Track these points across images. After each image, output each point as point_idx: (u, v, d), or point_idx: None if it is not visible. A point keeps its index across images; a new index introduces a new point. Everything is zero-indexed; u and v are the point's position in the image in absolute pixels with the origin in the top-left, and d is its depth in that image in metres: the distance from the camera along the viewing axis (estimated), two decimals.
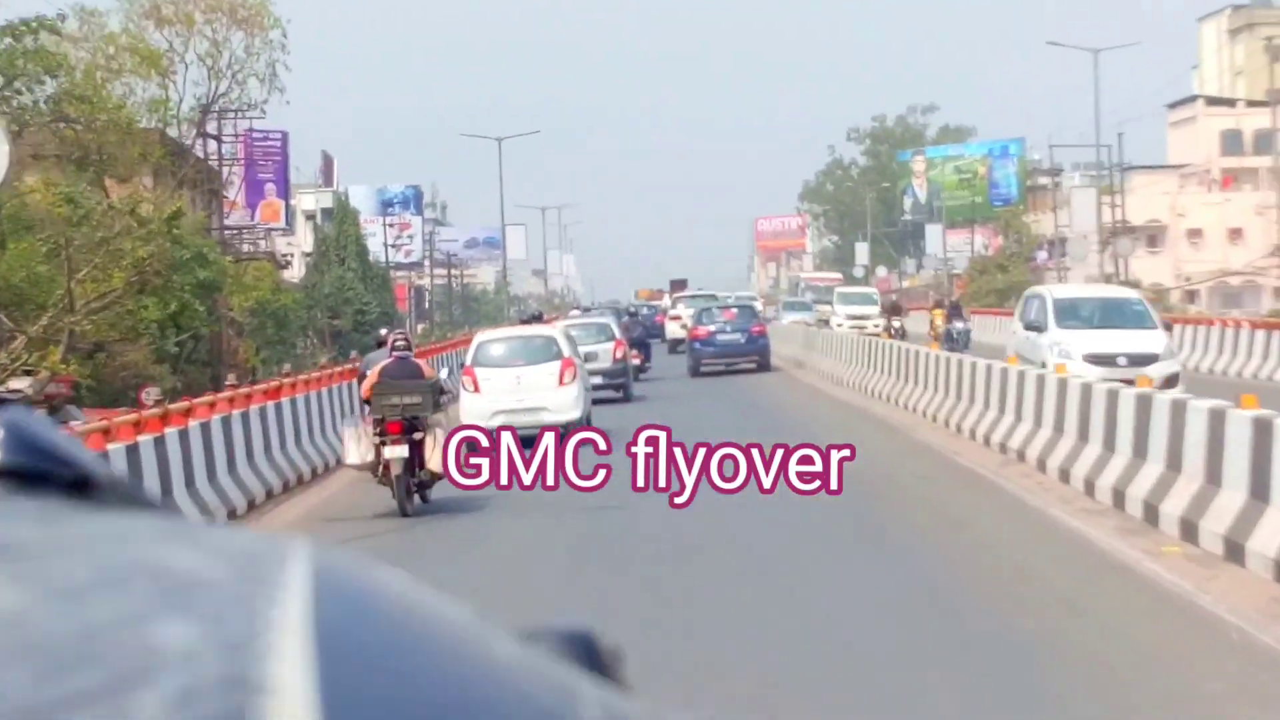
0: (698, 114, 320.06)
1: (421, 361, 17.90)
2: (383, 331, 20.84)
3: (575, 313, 56.03)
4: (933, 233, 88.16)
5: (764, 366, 40.68)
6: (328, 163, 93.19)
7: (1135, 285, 58.60)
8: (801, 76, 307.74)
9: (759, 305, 69.44)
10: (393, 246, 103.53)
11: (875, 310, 58.61)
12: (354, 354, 39.50)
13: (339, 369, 28.85)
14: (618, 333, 33.67)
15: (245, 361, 41.04)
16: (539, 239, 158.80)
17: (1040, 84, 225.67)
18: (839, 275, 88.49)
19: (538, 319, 34.40)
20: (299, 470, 21.14)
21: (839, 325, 51.65)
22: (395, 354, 17.05)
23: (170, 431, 16.65)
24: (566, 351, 24.25)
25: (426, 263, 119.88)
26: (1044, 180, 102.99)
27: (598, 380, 28.96)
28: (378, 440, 16.41)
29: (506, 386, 23.49)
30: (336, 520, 17.18)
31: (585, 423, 23.66)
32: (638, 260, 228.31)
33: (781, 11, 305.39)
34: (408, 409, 16.40)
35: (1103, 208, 61.87)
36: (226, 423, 18.60)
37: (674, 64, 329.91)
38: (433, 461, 16.43)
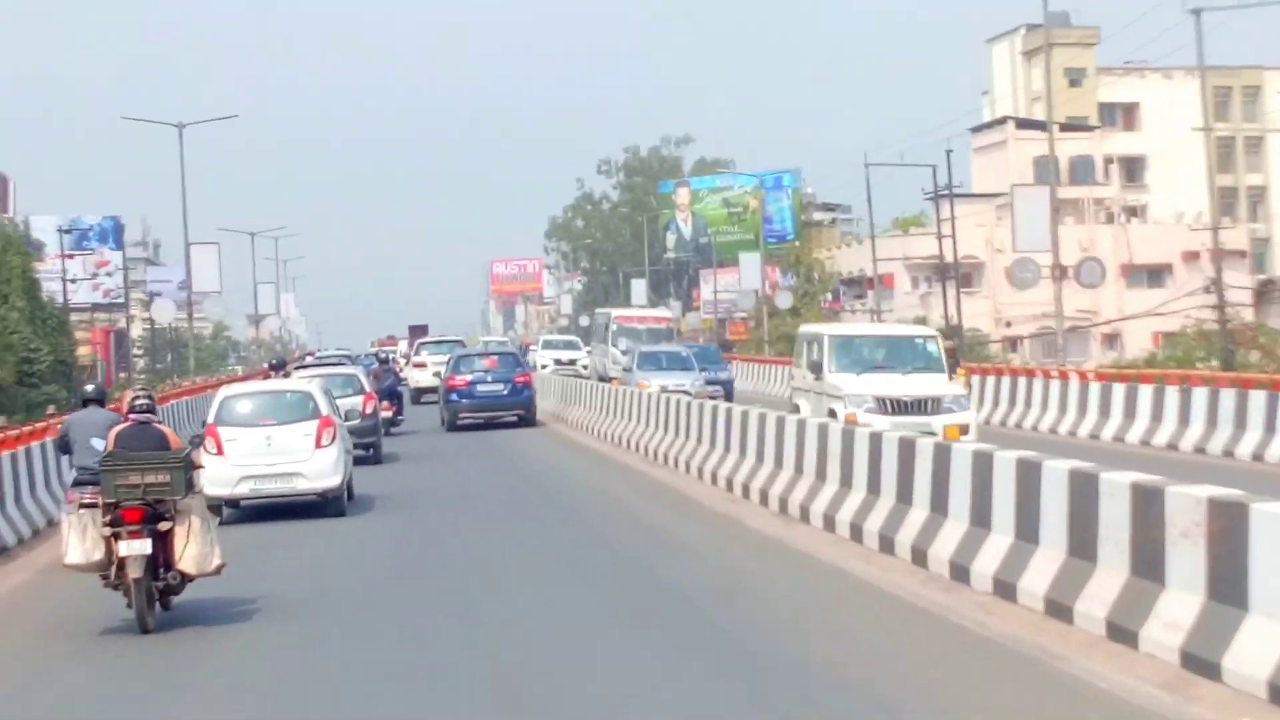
0: (426, 150, 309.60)
1: (167, 429, 14.82)
2: (88, 388, 17.17)
3: (309, 359, 51.70)
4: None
5: (528, 421, 38.40)
6: (2, 184, 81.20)
7: (953, 332, 51.27)
8: (535, 110, 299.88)
9: (582, 354, 57.98)
10: (78, 284, 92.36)
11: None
12: (50, 410, 32.97)
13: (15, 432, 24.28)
14: (367, 384, 31.54)
15: None
16: (248, 274, 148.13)
17: (801, 114, 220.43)
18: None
19: (281, 368, 33.39)
20: None
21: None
22: (133, 416, 14.43)
23: None
24: (325, 409, 22.62)
25: (133, 306, 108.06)
26: (820, 216, 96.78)
27: None
28: (109, 532, 13.72)
29: (255, 448, 22.02)
30: (49, 637, 13.99)
31: (345, 490, 22.70)
32: (366, 306, 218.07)
33: (514, 41, 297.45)
34: (151, 490, 13.71)
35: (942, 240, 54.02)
36: None
37: (403, 93, 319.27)
38: (185, 560, 13.88)
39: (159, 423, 14.68)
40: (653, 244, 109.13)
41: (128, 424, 14.36)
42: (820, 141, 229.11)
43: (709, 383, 41.03)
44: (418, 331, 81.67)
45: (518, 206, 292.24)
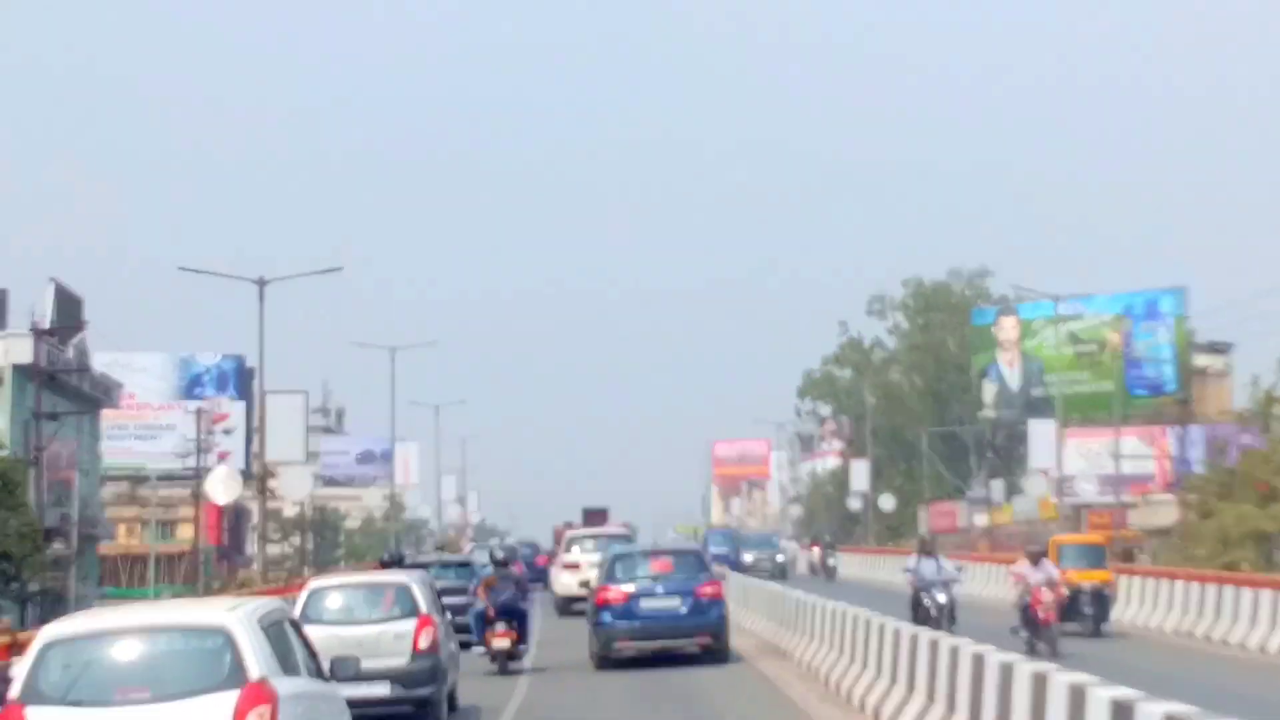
0: (634, 313, 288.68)
1: None
2: None
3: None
4: None
5: (717, 654, 28.92)
6: (64, 301, 58.97)
7: None
8: (765, 260, 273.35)
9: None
10: (176, 440, 70.96)
11: None
12: None
13: None
14: (422, 601, 21.45)
15: None
16: (438, 458, 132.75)
17: (1133, 237, 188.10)
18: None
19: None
20: None
21: None
22: None
23: None
24: (258, 667, 11.47)
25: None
26: (1203, 361, 71.64)
27: (378, 691, 19.14)
28: None
29: None
30: None
31: None
32: (570, 490, 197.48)
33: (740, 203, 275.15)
34: None
35: None
36: None
37: (610, 258, 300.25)
38: None
39: None
40: (950, 400, 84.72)
41: None
42: (1182, 272, 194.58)
43: None
44: (595, 518, 63.83)
45: (748, 374, 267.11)
